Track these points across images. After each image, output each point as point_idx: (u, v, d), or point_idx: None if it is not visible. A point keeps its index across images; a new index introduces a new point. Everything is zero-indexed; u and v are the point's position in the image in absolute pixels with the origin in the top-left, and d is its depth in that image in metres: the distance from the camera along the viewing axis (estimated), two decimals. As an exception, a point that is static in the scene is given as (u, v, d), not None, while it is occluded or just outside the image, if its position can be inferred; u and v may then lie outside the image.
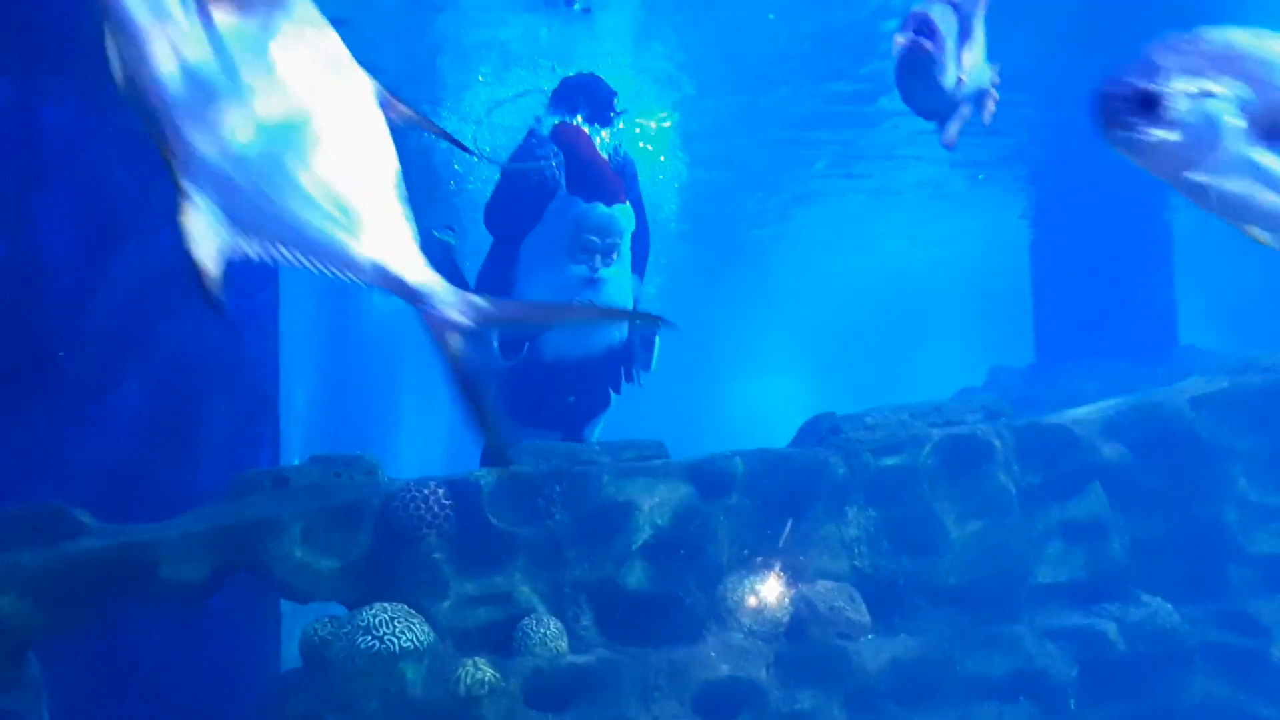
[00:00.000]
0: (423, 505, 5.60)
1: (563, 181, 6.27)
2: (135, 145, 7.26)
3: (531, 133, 6.63)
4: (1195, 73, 2.00)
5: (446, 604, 5.67)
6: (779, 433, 9.40)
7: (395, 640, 5.16)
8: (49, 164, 7.03)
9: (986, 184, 15.54)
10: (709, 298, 24.18)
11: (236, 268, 7.10)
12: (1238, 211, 2.09)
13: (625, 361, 6.61)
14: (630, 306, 6.40)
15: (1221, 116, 1.98)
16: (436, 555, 5.67)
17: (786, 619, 6.19)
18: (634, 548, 5.97)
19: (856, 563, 6.46)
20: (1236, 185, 2.02)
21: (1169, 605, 6.52)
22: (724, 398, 35.92)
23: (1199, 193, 2.09)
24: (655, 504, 6.03)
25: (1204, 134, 2.00)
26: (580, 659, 5.70)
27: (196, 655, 6.54)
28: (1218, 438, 6.89)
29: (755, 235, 19.76)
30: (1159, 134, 2.02)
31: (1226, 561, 6.85)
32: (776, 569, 6.32)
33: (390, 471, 6.31)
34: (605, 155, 6.35)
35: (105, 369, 7.28)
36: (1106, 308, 12.59)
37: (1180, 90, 1.99)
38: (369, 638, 5.17)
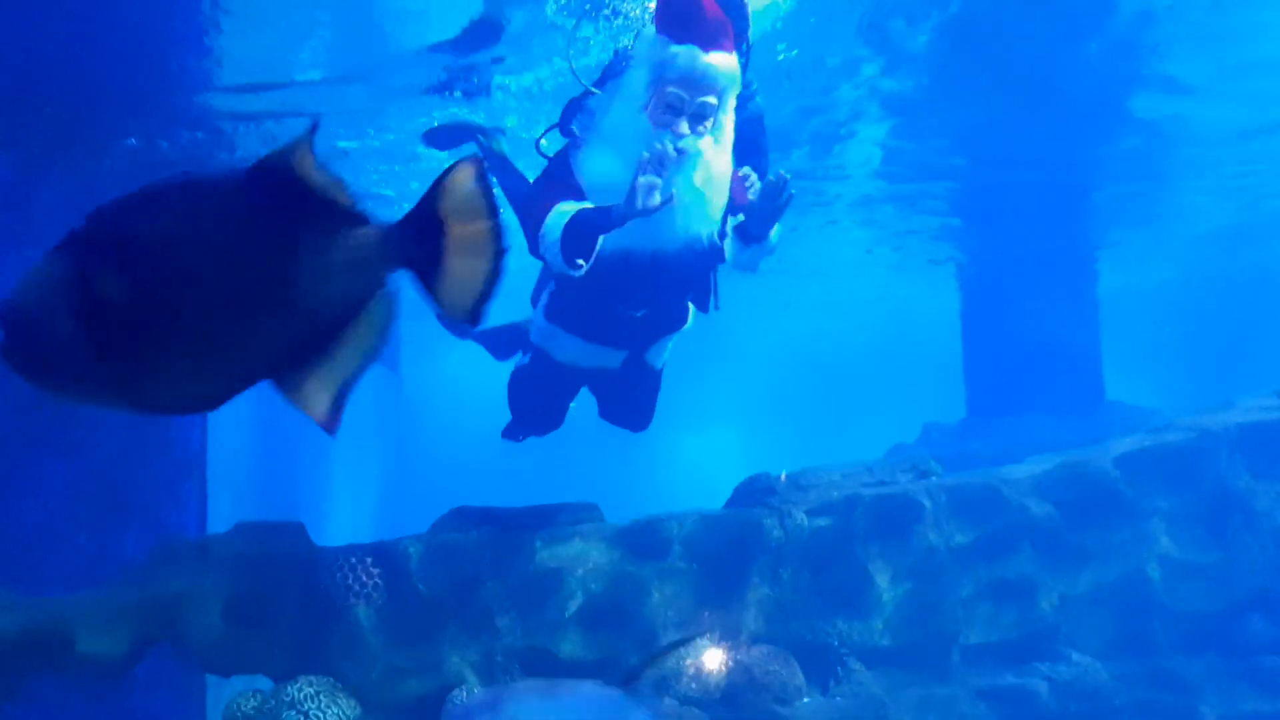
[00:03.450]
0: (350, 574, 5.51)
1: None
2: (68, 211, 7.17)
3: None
4: None
5: (375, 675, 5.55)
6: (718, 488, 9.41)
7: (320, 716, 5.04)
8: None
9: (916, 248, 15.85)
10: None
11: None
12: None
13: (713, 267, 4.91)
14: (728, 200, 4.70)
15: None
16: (364, 625, 5.56)
17: (722, 684, 6.14)
18: (567, 614, 5.91)
19: (792, 625, 6.44)
20: None
21: (1098, 664, 6.60)
22: (663, 452, 35.89)
23: None
24: (589, 569, 5.99)
25: None
26: (512, 729, 5.59)
27: (116, 731, 6.33)
28: (1140, 496, 7.03)
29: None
30: None
31: (1152, 618, 6.95)
32: (712, 633, 6.29)
33: (318, 538, 6.19)
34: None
35: (25, 432, 7.10)
36: (1035, 365, 12.85)
37: None
38: (294, 713, 5.04)
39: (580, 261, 4.36)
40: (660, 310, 5.05)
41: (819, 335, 26.25)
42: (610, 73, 4.79)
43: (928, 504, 6.68)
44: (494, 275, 2.08)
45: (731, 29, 4.49)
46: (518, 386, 5.64)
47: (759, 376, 33.57)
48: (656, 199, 4.09)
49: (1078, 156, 11.56)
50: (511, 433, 5.85)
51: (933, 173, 11.84)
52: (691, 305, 5.23)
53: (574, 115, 4.78)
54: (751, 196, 4.70)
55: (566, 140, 4.87)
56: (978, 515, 6.80)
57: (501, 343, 6.11)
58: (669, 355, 5.56)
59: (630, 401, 5.58)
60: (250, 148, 9.29)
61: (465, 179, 2.05)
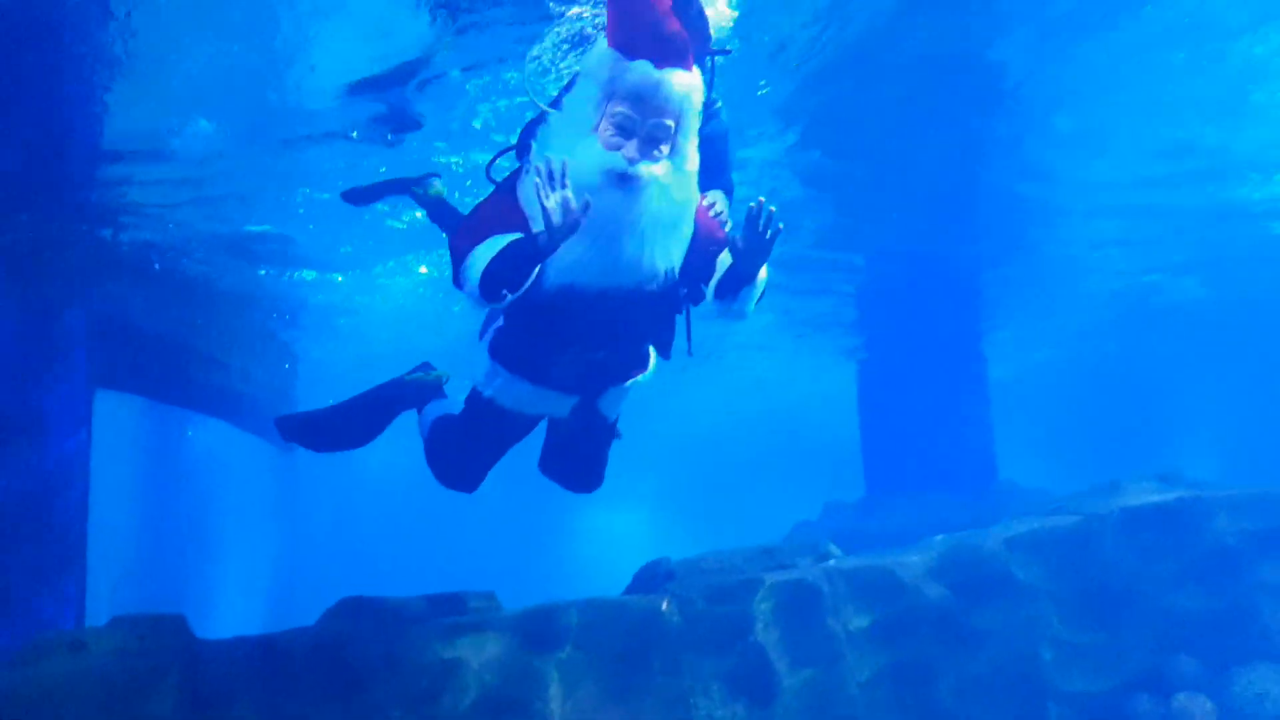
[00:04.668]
0: (234, 669, 5.28)
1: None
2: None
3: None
4: None
5: (258, 776, 5.30)
6: (624, 566, 9.35)
7: (198, 822, 4.78)
8: None
9: (816, 332, 16.19)
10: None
11: (48, 415, 6.70)
12: None
13: (681, 304, 4.46)
14: (688, 232, 4.23)
15: None
16: (249, 724, 5.32)
17: (621, 776, 6.02)
18: (462, 709, 5.74)
19: (692, 715, 6.36)
20: None
21: (994, 748, 6.65)
22: (566, 531, 35.55)
23: None
24: (484, 660, 5.84)
25: None
26: (403, 831, 5.38)
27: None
28: (1031, 578, 7.17)
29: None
30: None
31: (1046, 699, 7.03)
32: (610, 724, 6.17)
33: (203, 630, 5.95)
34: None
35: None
36: (931, 445, 13.13)
37: None
38: (169, 820, 4.78)
39: (505, 293, 3.95)
40: (618, 353, 4.50)
41: (723, 414, 26.46)
42: (566, 93, 4.37)
43: (826, 588, 6.71)
44: None
45: (691, 45, 4.06)
46: (447, 432, 4.96)
47: (663, 455, 33.64)
48: (573, 206, 3.73)
49: (967, 248, 12.01)
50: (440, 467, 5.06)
51: (832, 263, 12.17)
52: (654, 351, 4.67)
53: (530, 139, 4.38)
54: (729, 230, 4.29)
55: (487, 166, 4.57)
56: (875, 599, 6.85)
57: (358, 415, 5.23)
58: (625, 406, 4.92)
59: (578, 456, 4.95)
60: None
61: None
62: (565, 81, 5.11)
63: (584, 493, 5.10)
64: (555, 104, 4.26)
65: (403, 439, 6.11)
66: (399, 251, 11.02)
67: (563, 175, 3.77)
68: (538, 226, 3.95)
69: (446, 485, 5.01)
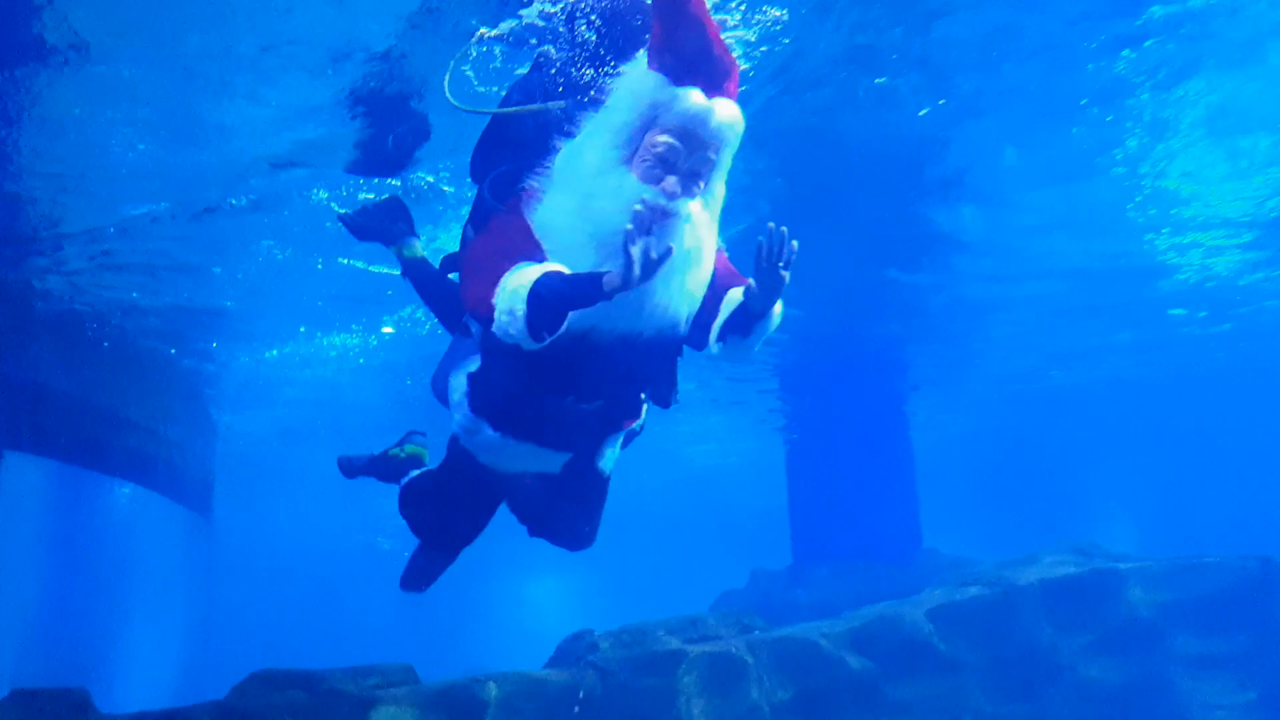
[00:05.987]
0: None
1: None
2: None
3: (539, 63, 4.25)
4: None
5: None
6: (548, 634, 9.21)
7: None
8: None
9: (741, 402, 16.31)
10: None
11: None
12: None
13: (680, 350, 4.04)
14: (709, 273, 3.85)
15: None
16: (151, 805, 5.12)
17: None
18: (376, 787, 5.58)
19: (614, 791, 6.26)
20: None
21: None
22: (490, 601, 35.04)
23: None
24: (401, 737, 5.70)
25: None
26: None
27: None
28: (953, 649, 7.22)
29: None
30: None
31: (967, 772, 7.06)
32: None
33: (109, 703, 5.75)
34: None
35: None
36: (856, 514, 13.24)
37: None
38: None
39: (545, 334, 3.50)
40: (616, 405, 4.05)
41: (649, 481, 26.42)
42: (531, 94, 3.97)
43: (750, 660, 6.68)
44: None
45: (737, 70, 3.67)
46: (421, 493, 4.55)
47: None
48: (653, 255, 3.33)
49: (890, 328, 12.26)
50: (412, 580, 4.60)
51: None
52: (646, 400, 4.19)
53: (489, 160, 4.00)
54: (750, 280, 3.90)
55: (485, 187, 4.00)
56: (799, 671, 6.84)
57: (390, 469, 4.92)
58: (615, 455, 4.42)
59: (570, 515, 4.44)
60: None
61: None
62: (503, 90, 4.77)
63: (577, 549, 4.53)
64: (567, 131, 3.78)
65: (320, 505, 6.04)
66: (335, 325, 10.91)
67: (664, 220, 3.43)
68: (556, 258, 3.58)
69: (428, 544, 4.57)
